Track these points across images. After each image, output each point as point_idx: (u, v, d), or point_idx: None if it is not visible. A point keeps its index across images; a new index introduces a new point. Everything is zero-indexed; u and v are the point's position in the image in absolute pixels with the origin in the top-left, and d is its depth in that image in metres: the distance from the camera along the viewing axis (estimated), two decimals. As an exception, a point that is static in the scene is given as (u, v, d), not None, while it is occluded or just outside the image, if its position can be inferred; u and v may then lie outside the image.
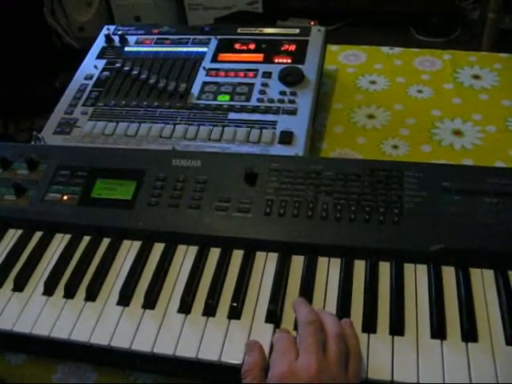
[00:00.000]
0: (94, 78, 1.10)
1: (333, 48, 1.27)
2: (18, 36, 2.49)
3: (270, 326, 0.68)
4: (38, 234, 0.84)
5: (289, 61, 1.06)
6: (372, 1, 3.01)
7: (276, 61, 1.07)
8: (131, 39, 1.18)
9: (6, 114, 2.55)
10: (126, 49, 1.16)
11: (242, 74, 1.06)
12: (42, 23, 2.75)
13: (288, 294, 0.71)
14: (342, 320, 0.66)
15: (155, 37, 1.17)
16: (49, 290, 0.76)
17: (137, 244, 0.80)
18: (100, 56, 1.15)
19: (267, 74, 1.04)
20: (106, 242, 0.81)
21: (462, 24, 2.92)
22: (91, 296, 0.74)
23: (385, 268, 0.72)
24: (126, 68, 1.10)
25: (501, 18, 2.40)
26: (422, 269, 0.72)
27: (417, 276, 0.71)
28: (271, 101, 0.99)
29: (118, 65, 1.11)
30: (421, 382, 0.61)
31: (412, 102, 1.10)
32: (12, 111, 2.53)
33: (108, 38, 1.17)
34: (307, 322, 0.63)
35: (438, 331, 0.65)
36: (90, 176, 0.86)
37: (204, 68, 1.08)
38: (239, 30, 1.15)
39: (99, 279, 0.76)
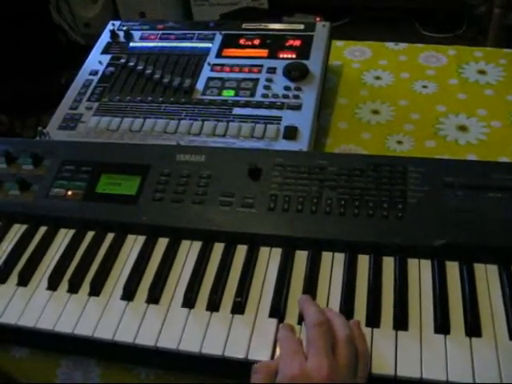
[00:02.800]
0: (99, 74, 1.10)
1: (338, 44, 1.26)
2: (24, 33, 2.49)
3: (274, 321, 0.68)
4: (43, 229, 0.84)
5: (293, 56, 1.06)
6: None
7: (281, 56, 1.06)
8: (136, 35, 1.17)
9: (12, 111, 2.56)
10: (131, 44, 1.16)
11: (246, 69, 1.05)
12: (47, 20, 2.75)
13: (292, 289, 0.71)
14: (351, 321, 0.66)
15: (160, 32, 1.17)
16: (53, 285, 0.76)
17: (141, 239, 0.80)
18: (105, 51, 1.15)
19: (272, 70, 1.04)
20: (110, 236, 0.81)
21: (467, 20, 2.91)
22: (95, 291, 0.74)
23: (388, 263, 0.72)
24: (131, 63, 1.10)
25: (507, 13, 2.39)
26: (426, 264, 0.72)
27: (421, 271, 0.71)
28: (276, 96, 0.99)
29: (122, 60, 1.11)
30: (424, 376, 0.60)
31: (417, 98, 1.09)
32: (18, 108, 2.53)
33: (113, 34, 1.17)
34: (316, 323, 0.63)
35: (442, 326, 0.64)
36: (95, 171, 0.87)
37: (209, 63, 1.08)
38: (244, 26, 1.15)
39: (103, 274, 0.76)
